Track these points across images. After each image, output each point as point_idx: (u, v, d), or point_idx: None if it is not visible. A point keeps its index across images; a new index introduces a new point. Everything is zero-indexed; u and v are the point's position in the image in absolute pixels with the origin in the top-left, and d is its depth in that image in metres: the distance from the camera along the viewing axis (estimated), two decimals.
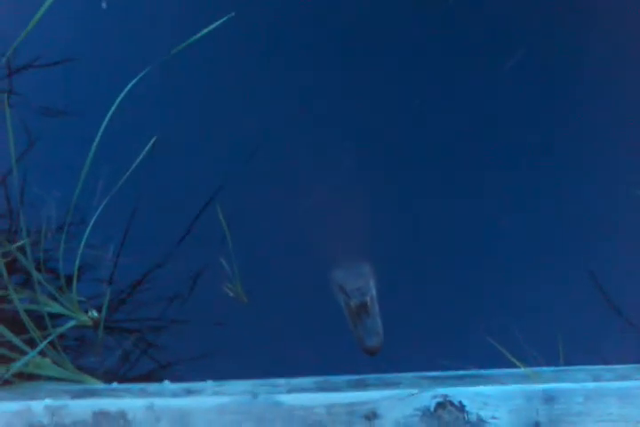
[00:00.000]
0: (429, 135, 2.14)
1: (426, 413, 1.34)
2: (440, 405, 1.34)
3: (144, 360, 2.00)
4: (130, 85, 1.83)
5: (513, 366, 1.77)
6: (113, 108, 1.79)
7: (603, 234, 2.01)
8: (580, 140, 2.10)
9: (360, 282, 1.99)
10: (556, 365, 1.82)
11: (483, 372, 1.74)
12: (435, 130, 2.14)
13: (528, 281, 1.98)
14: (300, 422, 1.34)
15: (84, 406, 1.34)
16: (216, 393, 1.71)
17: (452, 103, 2.16)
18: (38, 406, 1.32)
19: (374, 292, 2.00)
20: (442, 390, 1.35)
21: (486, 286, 2.00)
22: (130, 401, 1.35)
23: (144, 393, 1.72)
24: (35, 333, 1.79)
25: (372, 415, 1.34)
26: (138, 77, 1.84)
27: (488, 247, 2.03)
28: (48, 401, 1.34)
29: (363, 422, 1.34)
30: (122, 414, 1.33)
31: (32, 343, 1.79)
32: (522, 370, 1.74)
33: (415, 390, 1.35)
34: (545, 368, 1.76)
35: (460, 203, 2.06)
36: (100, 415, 1.32)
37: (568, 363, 1.82)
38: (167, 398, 1.35)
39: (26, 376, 1.86)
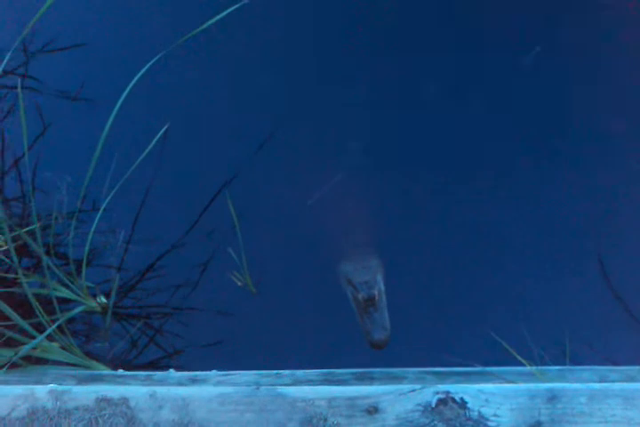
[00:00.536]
0: (437, 132, 2.13)
1: (427, 408, 1.33)
2: (441, 401, 1.33)
3: (151, 347, 2.01)
4: (142, 71, 1.82)
5: (519, 364, 1.77)
6: (125, 93, 1.78)
7: (615, 234, 1.99)
8: (587, 136, 2.09)
9: (368, 276, 1.99)
10: (563, 364, 1.81)
11: (488, 369, 1.74)
12: (443, 127, 2.12)
13: (537, 281, 1.97)
14: (301, 414, 1.34)
15: (87, 392, 1.34)
16: (220, 383, 1.72)
17: (461, 99, 2.15)
18: (42, 390, 1.33)
19: (382, 285, 1.99)
20: (444, 387, 1.34)
21: (496, 285, 1.99)
22: (133, 388, 1.35)
23: (149, 380, 1.73)
24: (43, 317, 1.80)
25: (373, 410, 1.34)
26: (150, 63, 1.84)
27: (497, 245, 2.02)
28: (52, 386, 1.35)
29: (364, 415, 1.34)
30: (124, 401, 1.33)
31: (40, 328, 1.81)
32: (528, 368, 1.73)
33: (418, 386, 1.35)
34: (550, 367, 1.75)
35: (469, 200, 2.05)
36: (103, 402, 1.33)
37: (575, 363, 1.80)
38: (170, 387, 1.36)
39: (34, 360, 1.88)
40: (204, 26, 1.93)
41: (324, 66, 2.18)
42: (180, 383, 1.70)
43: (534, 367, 1.71)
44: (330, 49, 2.18)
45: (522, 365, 1.76)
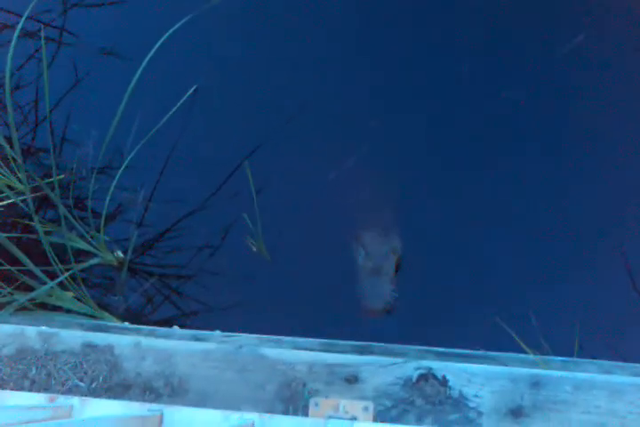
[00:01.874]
0: (464, 115, 2.07)
1: (407, 382, 1.31)
2: (422, 376, 1.31)
3: (163, 304, 2.04)
4: (172, 29, 1.82)
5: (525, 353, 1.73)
6: (152, 51, 1.79)
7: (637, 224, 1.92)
8: (608, 138, 2.00)
9: (384, 248, 1.98)
10: (571, 356, 1.75)
11: (490, 354, 1.70)
12: (470, 113, 2.07)
13: (553, 268, 1.92)
14: (280, 377, 1.34)
15: (74, 337, 1.38)
16: (221, 343, 1.73)
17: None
18: (32, 331, 1.37)
19: (394, 261, 1.97)
20: (426, 362, 1.32)
21: (510, 271, 1.94)
22: (118, 337, 1.38)
23: (152, 335, 1.76)
24: (58, 265, 1.85)
25: (352, 379, 1.33)
26: (182, 22, 1.84)
27: (515, 230, 1.97)
28: (42, 328, 1.38)
29: (343, 384, 1.33)
30: (109, 348, 1.36)
31: (56, 277, 1.85)
32: (531, 357, 1.68)
33: (400, 360, 1.33)
34: (555, 358, 1.70)
35: (491, 185, 2.01)
36: (89, 347, 1.36)
37: (584, 356, 1.75)
38: (154, 339, 1.37)
39: (49, 308, 1.94)
40: None
41: (357, 45, 2.15)
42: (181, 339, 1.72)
43: (538, 356, 1.66)
44: (361, 33, 2.14)
45: (527, 353, 1.71)
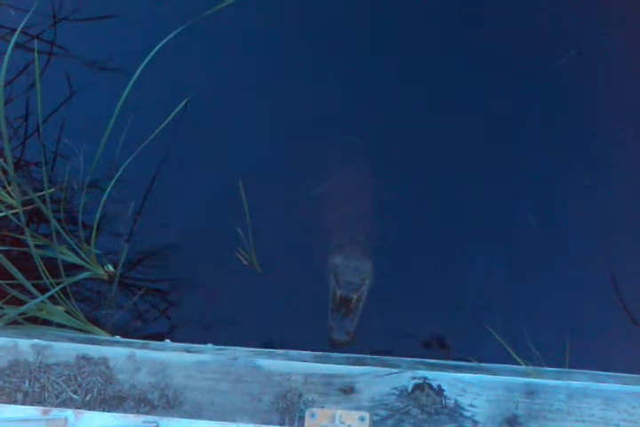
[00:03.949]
0: (441, 136, 2.09)
1: (403, 392, 1.32)
2: (418, 386, 1.32)
3: (153, 318, 2.03)
4: (162, 43, 1.83)
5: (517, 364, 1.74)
6: (143, 64, 1.80)
7: (627, 240, 1.94)
8: (606, 147, 2.03)
9: (356, 278, 1.96)
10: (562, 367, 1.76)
11: (483, 365, 1.70)
12: (449, 132, 2.09)
13: (543, 282, 1.93)
14: (276, 388, 1.34)
15: (68, 349, 1.37)
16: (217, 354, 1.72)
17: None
18: (25, 343, 1.36)
19: (365, 292, 1.97)
20: (421, 372, 1.32)
21: (501, 284, 1.95)
22: (113, 349, 1.37)
23: (145, 348, 1.75)
24: (48, 279, 1.84)
25: (348, 389, 1.33)
26: (172, 34, 1.85)
27: (505, 243, 1.98)
28: (35, 341, 1.37)
29: (339, 394, 1.33)
30: (104, 361, 1.35)
31: (47, 291, 1.84)
32: (523, 367, 1.69)
33: (395, 370, 1.33)
34: (547, 368, 1.71)
35: (476, 199, 2.02)
36: (83, 360, 1.35)
37: (575, 367, 1.76)
38: (148, 351, 1.37)
39: (40, 322, 1.92)
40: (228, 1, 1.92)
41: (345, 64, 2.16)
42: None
43: (530, 367, 1.66)
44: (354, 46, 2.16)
45: (518, 364, 1.72)
